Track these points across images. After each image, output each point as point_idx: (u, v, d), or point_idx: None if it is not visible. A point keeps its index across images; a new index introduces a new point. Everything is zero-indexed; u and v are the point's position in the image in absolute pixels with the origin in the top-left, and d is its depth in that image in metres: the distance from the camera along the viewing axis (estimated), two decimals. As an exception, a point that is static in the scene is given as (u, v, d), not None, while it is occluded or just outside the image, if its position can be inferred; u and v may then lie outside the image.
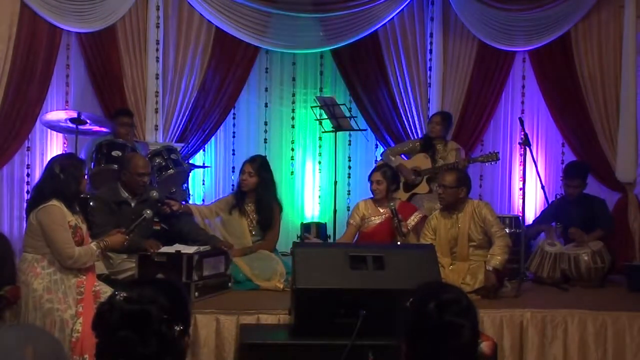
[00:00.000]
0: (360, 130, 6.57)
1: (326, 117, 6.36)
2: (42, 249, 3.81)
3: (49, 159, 6.48)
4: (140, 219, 4.53)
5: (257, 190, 5.32)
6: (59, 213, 3.82)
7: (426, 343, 1.82)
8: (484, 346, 1.89)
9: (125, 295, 1.77)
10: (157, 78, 6.66)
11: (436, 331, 1.81)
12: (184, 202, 5.62)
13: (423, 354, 1.83)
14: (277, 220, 5.40)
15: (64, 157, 4.23)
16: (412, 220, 5.31)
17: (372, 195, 5.46)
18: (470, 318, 1.84)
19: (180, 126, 6.75)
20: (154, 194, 4.94)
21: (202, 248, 4.69)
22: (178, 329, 1.77)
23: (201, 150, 6.97)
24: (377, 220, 5.39)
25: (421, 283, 2.00)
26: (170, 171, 5.80)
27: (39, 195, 3.87)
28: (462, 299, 1.88)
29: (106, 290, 3.84)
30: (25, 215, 6.48)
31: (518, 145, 7.10)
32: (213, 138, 7.02)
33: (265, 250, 5.25)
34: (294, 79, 7.29)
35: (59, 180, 3.84)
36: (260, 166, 5.34)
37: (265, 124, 7.26)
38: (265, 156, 5.58)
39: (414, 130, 7.02)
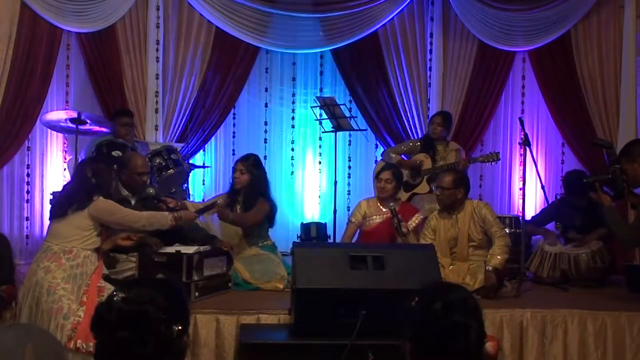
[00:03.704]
0: (360, 130, 6.56)
1: (326, 117, 6.35)
2: (72, 242, 3.93)
3: (49, 159, 6.57)
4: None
5: (249, 187, 5.28)
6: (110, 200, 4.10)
7: (432, 343, 1.82)
8: (489, 346, 1.89)
9: (123, 295, 1.77)
10: (157, 78, 6.66)
11: (443, 331, 1.80)
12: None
13: (429, 354, 1.83)
14: (261, 208, 5.20)
15: (94, 162, 4.41)
16: (413, 221, 5.28)
17: (372, 194, 5.45)
18: (477, 318, 1.84)
19: (180, 126, 6.75)
20: (151, 190, 4.98)
21: (202, 248, 4.69)
22: (177, 328, 1.76)
23: (201, 150, 6.97)
24: (378, 219, 5.38)
25: (427, 283, 2.00)
26: (170, 171, 5.79)
27: (79, 196, 4.00)
28: (468, 299, 1.88)
29: (110, 288, 3.91)
30: (25, 216, 6.52)
31: (518, 145, 7.10)
32: (213, 138, 7.02)
33: (265, 253, 5.21)
34: (294, 79, 7.29)
35: (91, 184, 4.03)
36: (252, 164, 5.29)
37: (265, 124, 7.26)
38: (257, 155, 5.53)
39: (414, 130, 7.02)
